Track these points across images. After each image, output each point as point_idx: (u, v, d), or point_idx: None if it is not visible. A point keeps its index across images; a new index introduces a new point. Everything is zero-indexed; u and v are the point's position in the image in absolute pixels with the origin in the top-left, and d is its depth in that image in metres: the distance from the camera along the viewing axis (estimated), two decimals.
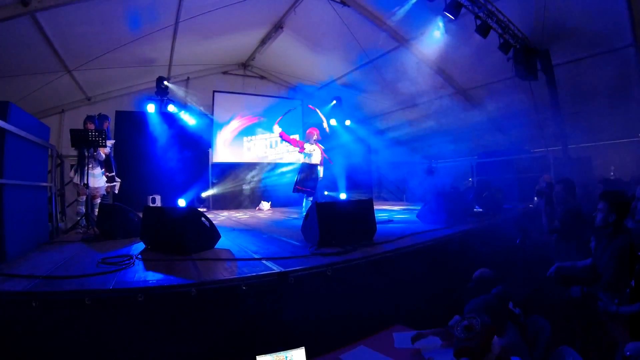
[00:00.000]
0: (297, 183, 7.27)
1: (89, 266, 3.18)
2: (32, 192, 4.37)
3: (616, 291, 2.85)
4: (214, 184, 10.82)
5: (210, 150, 10.94)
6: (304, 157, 7.34)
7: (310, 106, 8.67)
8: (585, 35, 7.13)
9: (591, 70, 7.62)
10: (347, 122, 12.59)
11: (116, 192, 7.31)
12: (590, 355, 2.64)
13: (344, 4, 8.17)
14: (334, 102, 11.88)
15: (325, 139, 8.02)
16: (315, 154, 7.35)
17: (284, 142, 7.71)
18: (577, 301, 3.19)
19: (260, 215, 8.79)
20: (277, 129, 7.43)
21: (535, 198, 6.35)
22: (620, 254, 2.95)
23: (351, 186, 11.13)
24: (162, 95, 9.91)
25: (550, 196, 4.86)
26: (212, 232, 4.03)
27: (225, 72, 12.25)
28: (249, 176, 11.24)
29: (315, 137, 7.37)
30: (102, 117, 6.92)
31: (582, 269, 3.55)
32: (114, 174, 7.02)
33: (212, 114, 10.93)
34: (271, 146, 11.66)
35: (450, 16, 6.71)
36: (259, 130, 11.62)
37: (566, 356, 2.15)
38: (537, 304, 3.29)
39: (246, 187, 11.19)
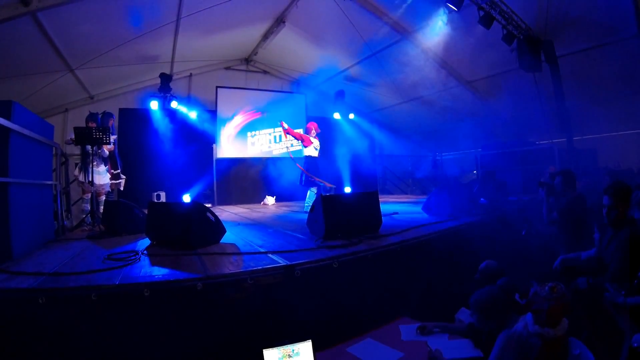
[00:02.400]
0: (307, 175, 7.36)
1: (95, 262, 3.19)
2: (37, 190, 4.40)
3: (623, 282, 2.83)
4: (218, 179, 10.84)
5: (214, 145, 10.92)
6: (309, 150, 7.50)
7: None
8: (590, 26, 7.06)
9: (596, 61, 7.56)
10: (351, 116, 12.56)
11: (121, 189, 7.31)
12: (597, 347, 2.62)
13: None
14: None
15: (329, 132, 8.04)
16: (317, 147, 7.66)
17: (288, 135, 7.75)
18: (584, 293, 3.17)
19: (265, 209, 8.78)
20: (284, 125, 7.59)
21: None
22: (626, 245, 2.93)
23: (356, 179, 11.12)
24: (165, 91, 9.91)
25: (551, 187, 4.84)
26: (217, 227, 4.03)
27: (227, 68, 12.23)
28: (253, 171, 11.24)
29: (314, 131, 7.53)
30: (107, 115, 6.91)
31: (586, 259, 3.53)
32: (119, 171, 7.01)
33: (216, 109, 10.92)
34: (275, 141, 11.62)
35: (453, 7, 6.66)
36: (263, 125, 11.60)
37: (573, 348, 2.14)
38: None
39: (251, 181, 11.19)
